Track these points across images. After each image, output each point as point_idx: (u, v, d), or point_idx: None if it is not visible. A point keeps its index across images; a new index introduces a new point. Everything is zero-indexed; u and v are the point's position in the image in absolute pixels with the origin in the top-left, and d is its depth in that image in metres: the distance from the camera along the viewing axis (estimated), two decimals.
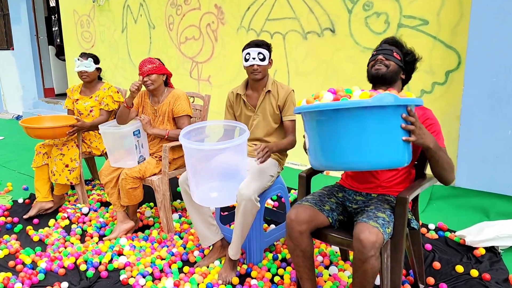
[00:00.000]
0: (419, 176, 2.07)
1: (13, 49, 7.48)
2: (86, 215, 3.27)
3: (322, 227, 1.94)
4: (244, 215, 2.23)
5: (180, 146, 2.92)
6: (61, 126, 3.14)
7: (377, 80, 1.93)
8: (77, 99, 3.52)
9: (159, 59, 3.00)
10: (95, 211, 3.34)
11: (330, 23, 3.78)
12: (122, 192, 2.81)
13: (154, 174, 2.87)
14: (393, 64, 1.92)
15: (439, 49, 3.22)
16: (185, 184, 2.45)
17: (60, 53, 7.54)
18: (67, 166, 3.25)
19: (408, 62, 1.99)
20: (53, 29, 9.35)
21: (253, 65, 2.45)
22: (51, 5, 9.35)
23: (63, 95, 7.53)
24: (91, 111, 3.47)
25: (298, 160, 4.15)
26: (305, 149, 1.83)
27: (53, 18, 9.57)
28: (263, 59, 2.45)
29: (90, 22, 6.06)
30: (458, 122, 3.07)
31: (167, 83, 3.07)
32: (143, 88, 3.00)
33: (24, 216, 3.20)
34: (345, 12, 3.66)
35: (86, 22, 6.13)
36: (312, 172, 2.18)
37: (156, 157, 2.94)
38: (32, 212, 3.22)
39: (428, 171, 1.95)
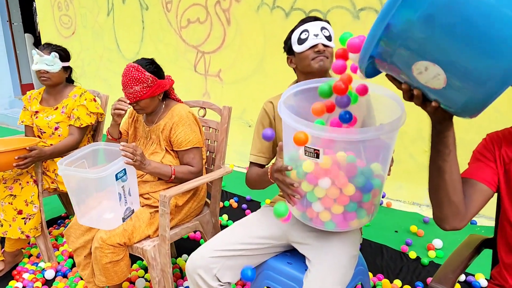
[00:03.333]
0: None
1: None
2: (51, 283, 2.23)
3: None
4: None
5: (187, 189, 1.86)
6: (5, 151, 2.05)
7: None
8: (37, 111, 2.44)
9: (152, 64, 1.90)
10: (65, 275, 2.29)
11: None
12: (96, 267, 1.77)
13: (147, 237, 1.82)
14: None
15: None
16: (196, 273, 1.43)
17: (40, 42, 6.42)
18: (20, 212, 2.19)
19: None
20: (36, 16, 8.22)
21: (316, 44, 1.50)
22: None
23: None
24: (56, 128, 2.39)
25: None
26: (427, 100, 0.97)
27: (34, 3, 8.43)
28: (329, 38, 1.54)
29: (69, 3, 4.93)
30: None
31: (167, 94, 2.02)
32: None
33: None
34: None
35: (65, 4, 5.00)
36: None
37: (147, 200, 1.89)
38: None
39: None
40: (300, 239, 1.48)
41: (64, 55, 2.40)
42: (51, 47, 2.35)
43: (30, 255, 2.52)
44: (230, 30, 3.55)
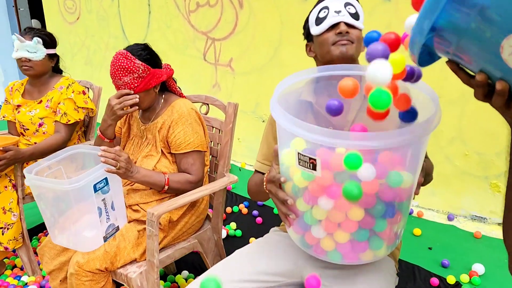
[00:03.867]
0: None
1: None
2: None
3: None
4: None
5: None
6: None
7: None
8: (19, 105, 2.16)
9: (145, 50, 1.59)
10: None
11: None
12: None
13: (133, 261, 1.51)
14: None
15: None
16: None
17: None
18: None
19: None
20: None
21: (337, 24, 1.18)
22: None
23: None
24: (41, 124, 2.11)
25: None
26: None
27: None
28: (355, 16, 1.20)
29: None
30: None
31: (165, 86, 1.71)
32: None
33: None
34: None
35: None
36: None
37: (136, 212, 1.58)
38: None
39: None
40: None
41: (49, 40, 2.09)
42: (33, 32, 2.05)
43: (14, 266, 2.25)
44: (243, 14, 3.20)
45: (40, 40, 2.04)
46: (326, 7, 1.19)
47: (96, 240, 1.45)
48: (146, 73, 1.53)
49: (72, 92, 2.08)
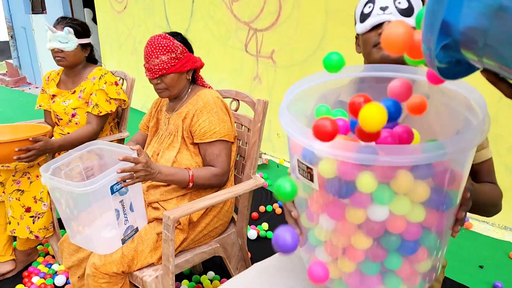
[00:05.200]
0: None
1: (46, 12, 6.37)
2: None
3: None
4: None
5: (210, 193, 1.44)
6: (3, 142, 1.72)
7: None
8: (54, 95, 2.16)
9: (180, 36, 1.60)
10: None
11: None
12: None
13: (150, 265, 1.44)
14: None
15: None
16: None
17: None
18: (28, 210, 1.93)
19: None
20: None
21: (381, 24, 1.02)
22: None
23: None
24: (73, 115, 2.09)
25: None
26: None
27: None
28: (407, 12, 1.00)
29: None
30: None
31: (194, 79, 1.64)
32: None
33: None
34: None
35: None
36: None
37: (156, 210, 1.52)
38: None
39: None
40: None
41: (81, 30, 2.06)
42: (65, 21, 2.03)
43: (47, 253, 2.28)
44: (286, 4, 3.04)
45: (71, 30, 2.01)
46: (372, 1, 1.03)
47: (114, 243, 1.39)
48: (183, 55, 1.52)
49: (105, 83, 2.05)
